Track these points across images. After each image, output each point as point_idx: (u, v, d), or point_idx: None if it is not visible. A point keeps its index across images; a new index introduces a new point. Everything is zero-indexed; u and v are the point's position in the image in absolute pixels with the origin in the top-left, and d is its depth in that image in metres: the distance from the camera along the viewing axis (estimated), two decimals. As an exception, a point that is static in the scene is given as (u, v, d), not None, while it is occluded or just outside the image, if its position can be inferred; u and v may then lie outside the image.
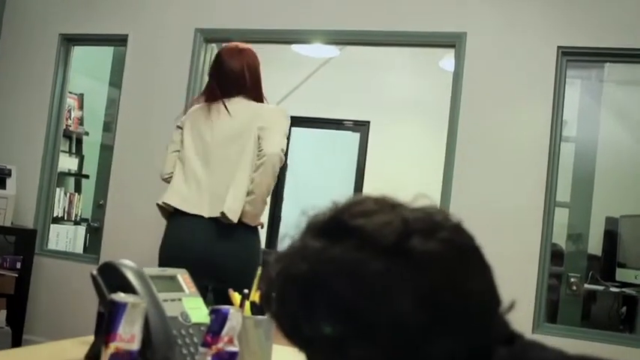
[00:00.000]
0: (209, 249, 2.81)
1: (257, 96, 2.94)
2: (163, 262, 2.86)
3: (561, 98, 3.76)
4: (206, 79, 3.29)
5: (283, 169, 7.48)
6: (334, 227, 0.73)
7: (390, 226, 0.70)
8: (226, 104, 2.89)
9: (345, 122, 7.04)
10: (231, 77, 2.91)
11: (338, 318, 0.70)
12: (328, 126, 7.11)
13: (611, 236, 4.75)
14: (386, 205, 0.75)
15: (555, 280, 4.22)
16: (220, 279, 2.64)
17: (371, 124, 6.95)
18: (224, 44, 3.29)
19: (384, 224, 0.70)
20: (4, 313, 4.16)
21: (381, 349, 0.69)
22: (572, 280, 4.29)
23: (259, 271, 1.52)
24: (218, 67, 2.96)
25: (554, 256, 3.97)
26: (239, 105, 2.90)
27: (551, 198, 3.70)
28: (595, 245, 4.78)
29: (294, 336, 0.76)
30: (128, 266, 1.30)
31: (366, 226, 0.71)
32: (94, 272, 1.30)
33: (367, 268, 0.69)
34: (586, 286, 4.45)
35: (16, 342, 4.09)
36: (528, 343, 0.73)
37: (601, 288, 4.51)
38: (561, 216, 4.06)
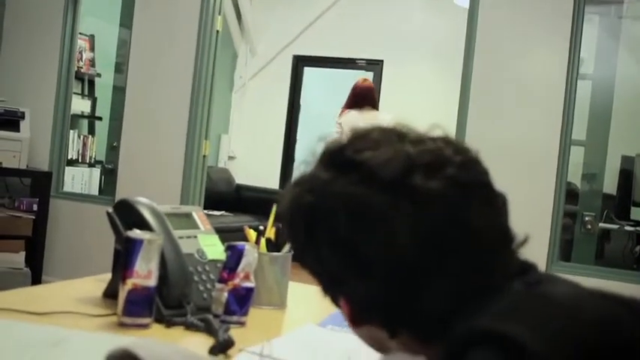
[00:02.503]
0: None
1: (376, 108, 5.19)
2: None
3: (579, 35, 3.68)
4: (217, 18, 3.27)
5: (297, 108, 7.48)
6: (341, 160, 0.72)
7: (393, 162, 0.69)
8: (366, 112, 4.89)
9: (358, 61, 6.96)
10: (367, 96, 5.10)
11: (338, 251, 0.70)
12: (341, 65, 7.04)
13: (626, 175, 4.71)
14: (393, 137, 0.73)
15: (570, 219, 4.22)
16: None
17: (384, 62, 6.87)
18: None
19: (387, 159, 0.69)
20: (22, 254, 4.22)
21: (380, 286, 0.69)
22: (587, 218, 4.29)
23: (274, 208, 1.51)
24: (356, 92, 5.12)
25: (569, 194, 3.96)
26: (372, 113, 4.96)
27: (567, 136, 3.66)
28: (610, 184, 4.75)
29: (302, 262, 0.77)
30: (143, 203, 1.30)
31: (370, 160, 0.70)
32: (110, 210, 1.30)
33: (368, 203, 0.68)
34: (600, 225, 4.44)
35: (36, 283, 4.16)
36: (543, 276, 0.72)
37: (615, 227, 4.50)
38: (577, 154, 4.02)
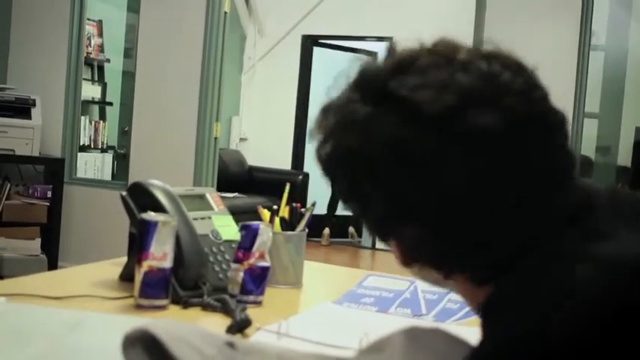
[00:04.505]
0: None
1: None
2: None
3: (590, 6, 3.64)
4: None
5: (307, 88, 7.45)
6: (382, 92, 0.65)
7: (443, 97, 0.62)
8: None
9: (367, 38, 6.92)
10: None
11: (383, 198, 0.66)
12: (350, 43, 7.00)
13: (641, 147, 4.67)
14: (441, 61, 0.65)
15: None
16: None
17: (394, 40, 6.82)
18: None
19: (437, 93, 0.62)
20: (38, 241, 4.25)
21: (430, 231, 0.66)
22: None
23: (287, 187, 1.51)
24: None
25: (583, 167, 3.93)
26: None
27: (580, 109, 3.63)
28: (624, 157, 4.71)
29: (346, 204, 0.72)
30: (157, 186, 1.30)
31: (416, 96, 0.63)
32: (124, 193, 1.30)
33: (415, 147, 0.62)
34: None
35: (52, 269, 4.19)
36: (603, 220, 0.64)
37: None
38: (590, 127, 3.99)
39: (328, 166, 0.70)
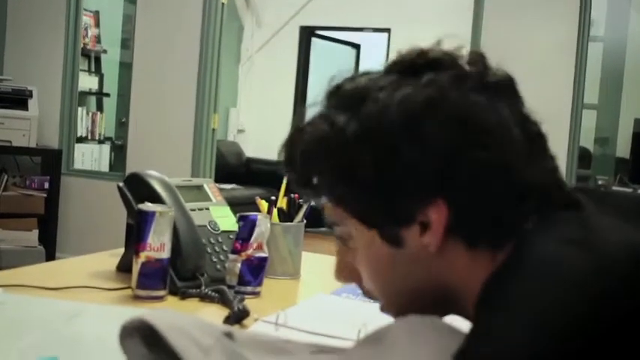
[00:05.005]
0: None
1: None
2: None
3: (589, -4, 3.63)
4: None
5: (305, 80, 7.43)
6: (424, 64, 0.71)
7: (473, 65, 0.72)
8: None
9: (365, 30, 6.90)
10: None
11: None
12: (348, 34, 6.99)
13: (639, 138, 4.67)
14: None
15: (583, 183, 4.19)
16: None
17: (392, 31, 6.80)
18: None
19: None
20: (35, 232, 4.24)
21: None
22: (600, 182, 4.26)
23: (285, 179, 1.50)
24: None
25: (582, 159, 3.93)
26: None
27: (579, 100, 3.63)
28: (623, 148, 4.71)
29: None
30: (154, 176, 1.29)
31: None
32: (121, 184, 1.29)
33: (477, 105, 0.68)
34: (614, 188, 4.41)
35: (50, 260, 4.19)
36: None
37: (629, 190, 4.46)
38: (589, 118, 3.99)
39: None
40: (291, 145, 0.73)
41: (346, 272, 0.78)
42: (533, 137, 0.71)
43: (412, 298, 0.73)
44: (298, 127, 0.73)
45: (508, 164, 0.66)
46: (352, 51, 7.53)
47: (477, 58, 0.73)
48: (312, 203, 0.88)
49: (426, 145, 0.66)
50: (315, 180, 0.72)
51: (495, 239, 0.67)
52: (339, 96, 0.72)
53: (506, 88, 0.73)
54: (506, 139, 0.67)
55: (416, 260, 0.70)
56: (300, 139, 0.72)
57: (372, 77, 0.71)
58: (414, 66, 0.71)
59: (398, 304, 0.75)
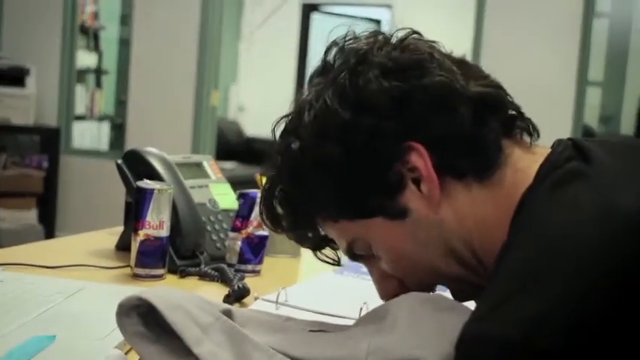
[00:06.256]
0: None
1: None
2: None
3: (594, -29, 3.59)
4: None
5: (306, 57, 7.38)
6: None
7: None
8: None
9: (367, 4, 6.85)
10: None
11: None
12: (350, 10, 6.94)
13: (644, 117, 4.64)
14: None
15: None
16: None
17: (394, 7, 6.75)
18: None
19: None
20: (34, 211, 4.23)
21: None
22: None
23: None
24: None
25: (586, 137, 3.90)
26: None
27: (583, 77, 3.60)
28: (628, 127, 4.68)
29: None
30: (153, 153, 1.27)
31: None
32: (119, 161, 1.28)
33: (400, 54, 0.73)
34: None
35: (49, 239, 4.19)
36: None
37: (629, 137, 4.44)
38: (593, 96, 3.95)
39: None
40: (272, 201, 0.80)
41: (391, 289, 0.78)
42: (461, 62, 0.75)
43: (443, 265, 0.73)
44: (264, 192, 0.81)
45: (451, 81, 0.70)
46: (371, 27, 7.47)
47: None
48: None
49: (375, 107, 0.69)
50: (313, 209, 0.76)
51: (481, 164, 0.70)
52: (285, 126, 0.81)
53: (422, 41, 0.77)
54: (437, 63, 0.72)
55: (427, 221, 0.71)
56: (273, 194, 0.80)
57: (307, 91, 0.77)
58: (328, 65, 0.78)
59: (437, 276, 0.75)
